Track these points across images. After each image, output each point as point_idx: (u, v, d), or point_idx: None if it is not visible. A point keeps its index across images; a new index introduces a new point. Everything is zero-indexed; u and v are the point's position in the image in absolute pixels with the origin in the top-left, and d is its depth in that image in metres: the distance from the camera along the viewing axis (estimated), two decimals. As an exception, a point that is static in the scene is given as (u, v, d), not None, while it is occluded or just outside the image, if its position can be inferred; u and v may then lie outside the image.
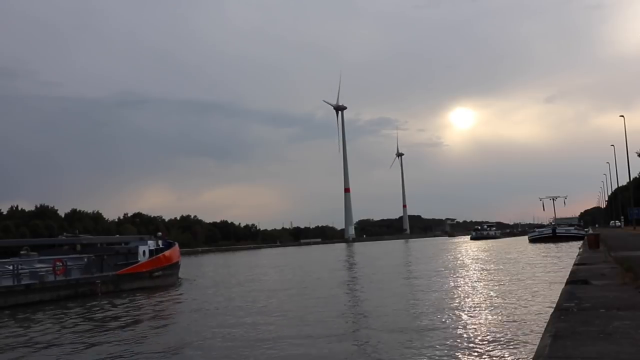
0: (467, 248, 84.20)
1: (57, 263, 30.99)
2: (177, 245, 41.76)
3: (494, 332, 15.23)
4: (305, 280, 36.44)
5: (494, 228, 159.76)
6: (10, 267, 29.42)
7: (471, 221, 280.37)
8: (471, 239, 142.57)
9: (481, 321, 17.18)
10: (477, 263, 46.88)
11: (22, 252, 34.34)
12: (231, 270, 52.59)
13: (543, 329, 6.94)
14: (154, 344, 16.15)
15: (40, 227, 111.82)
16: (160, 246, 38.33)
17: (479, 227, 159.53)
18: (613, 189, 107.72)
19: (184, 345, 15.60)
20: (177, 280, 38.89)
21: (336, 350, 14.22)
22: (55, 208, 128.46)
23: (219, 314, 21.85)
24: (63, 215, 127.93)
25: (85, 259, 33.72)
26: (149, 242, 37.57)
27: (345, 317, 19.76)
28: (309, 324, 18.12)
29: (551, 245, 70.41)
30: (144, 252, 36.03)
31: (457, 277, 33.68)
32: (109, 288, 31.93)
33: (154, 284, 34.95)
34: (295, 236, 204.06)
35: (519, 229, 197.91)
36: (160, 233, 44.68)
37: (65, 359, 14.90)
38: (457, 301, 22.09)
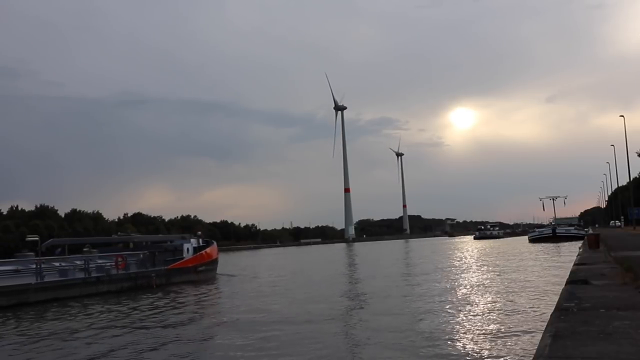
0: (472, 248, 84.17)
1: (119, 259, 34.69)
2: (215, 243, 45.15)
3: (494, 332, 15.23)
4: (316, 278, 38.35)
5: (497, 228, 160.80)
6: (82, 262, 33.25)
7: (471, 221, 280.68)
8: (474, 238, 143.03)
9: (481, 321, 17.17)
10: (481, 263, 46.91)
11: (84, 249, 39.04)
12: (251, 269, 54.39)
13: (543, 329, 6.93)
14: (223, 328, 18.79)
15: (40, 227, 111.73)
16: (201, 244, 41.85)
17: (482, 227, 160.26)
18: (613, 189, 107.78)
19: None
20: (216, 275, 41.95)
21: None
22: (55, 208, 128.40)
23: (263, 303, 24.87)
24: (63, 215, 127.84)
25: (141, 255, 37.73)
26: (192, 240, 41.25)
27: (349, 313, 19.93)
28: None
29: (551, 245, 70.37)
30: (187, 249, 39.57)
31: (460, 277, 33.68)
32: (162, 281, 35.44)
33: (198, 278, 38.28)
34: (295, 236, 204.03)
35: (520, 229, 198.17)
36: (199, 232, 48.40)
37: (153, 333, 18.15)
38: (457, 301, 22.11)
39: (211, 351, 15.28)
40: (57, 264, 32.95)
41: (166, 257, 38.70)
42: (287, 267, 56.78)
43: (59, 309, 25.72)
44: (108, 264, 34.28)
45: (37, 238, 41.79)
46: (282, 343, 15.37)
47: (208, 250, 41.96)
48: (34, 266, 30.94)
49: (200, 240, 42.49)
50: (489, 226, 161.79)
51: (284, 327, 17.72)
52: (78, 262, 33.53)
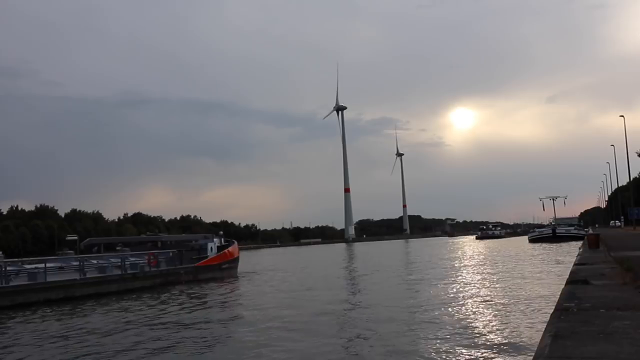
0: (475, 248, 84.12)
1: (151, 256, 37.23)
2: (236, 243, 47.75)
3: (493, 332, 15.24)
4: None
5: (499, 228, 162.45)
6: (117, 260, 35.55)
7: (471, 221, 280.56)
8: (477, 238, 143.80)
9: (481, 321, 17.18)
10: (483, 262, 46.97)
11: (117, 247, 42.08)
12: (264, 267, 57.25)
13: (543, 329, 6.93)
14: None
15: (40, 227, 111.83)
16: (223, 243, 44.47)
17: (485, 227, 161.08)
18: (613, 189, 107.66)
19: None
20: (237, 272, 44.09)
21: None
22: (55, 208, 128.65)
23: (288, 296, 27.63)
24: (63, 215, 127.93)
25: (170, 254, 40.18)
26: (215, 239, 43.74)
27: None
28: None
29: (551, 245, 70.35)
30: (211, 248, 42.03)
31: (461, 276, 33.71)
32: (189, 277, 37.61)
33: (222, 275, 40.67)
34: (295, 236, 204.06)
35: (521, 229, 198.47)
36: (221, 232, 51.00)
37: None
38: (457, 301, 22.12)
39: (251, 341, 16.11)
40: (94, 261, 35.36)
41: (192, 255, 41.01)
42: (296, 265, 58.46)
43: (121, 301, 28.14)
44: (141, 261, 36.51)
45: (75, 237, 45.05)
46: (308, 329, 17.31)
47: (230, 249, 44.39)
48: (75, 263, 33.65)
49: (222, 240, 45.05)
50: (490, 226, 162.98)
51: (308, 316, 19.88)
52: (113, 260, 35.84)
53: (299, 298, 26.16)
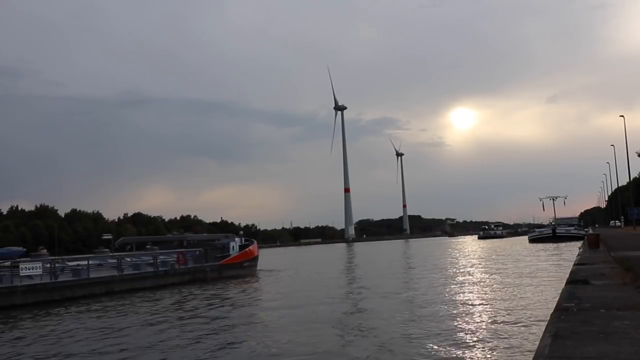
0: (478, 247, 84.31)
1: (180, 255, 39.53)
2: (255, 242, 49.52)
3: (494, 332, 15.23)
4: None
5: (501, 228, 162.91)
6: (149, 258, 37.60)
7: (471, 221, 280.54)
8: (478, 238, 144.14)
9: (481, 321, 17.18)
10: (485, 263, 47.00)
11: (147, 246, 44.21)
12: (281, 267, 56.43)
13: (543, 329, 6.93)
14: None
15: (40, 227, 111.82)
16: (244, 242, 46.62)
17: (486, 227, 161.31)
18: (613, 189, 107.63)
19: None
20: (257, 270, 46.07)
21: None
22: (55, 208, 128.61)
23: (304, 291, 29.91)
24: (63, 215, 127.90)
25: (197, 252, 42.40)
26: (236, 239, 46.03)
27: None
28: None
29: (551, 245, 70.32)
30: (233, 247, 44.16)
31: (461, 276, 33.71)
32: (214, 275, 39.68)
33: (244, 272, 42.95)
34: (295, 236, 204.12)
35: (522, 229, 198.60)
36: (241, 232, 53.40)
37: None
38: (458, 301, 22.14)
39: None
40: (129, 259, 37.49)
41: (216, 254, 43.20)
42: (303, 265, 59.66)
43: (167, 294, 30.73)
44: (170, 259, 38.62)
45: (110, 237, 49.25)
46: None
47: (250, 247, 46.52)
48: (111, 260, 36.06)
49: (243, 239, 47.22)
50: (492, 226, 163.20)
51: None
52: (145, 258, 37.91)
53: (315, 293, 27.81)
